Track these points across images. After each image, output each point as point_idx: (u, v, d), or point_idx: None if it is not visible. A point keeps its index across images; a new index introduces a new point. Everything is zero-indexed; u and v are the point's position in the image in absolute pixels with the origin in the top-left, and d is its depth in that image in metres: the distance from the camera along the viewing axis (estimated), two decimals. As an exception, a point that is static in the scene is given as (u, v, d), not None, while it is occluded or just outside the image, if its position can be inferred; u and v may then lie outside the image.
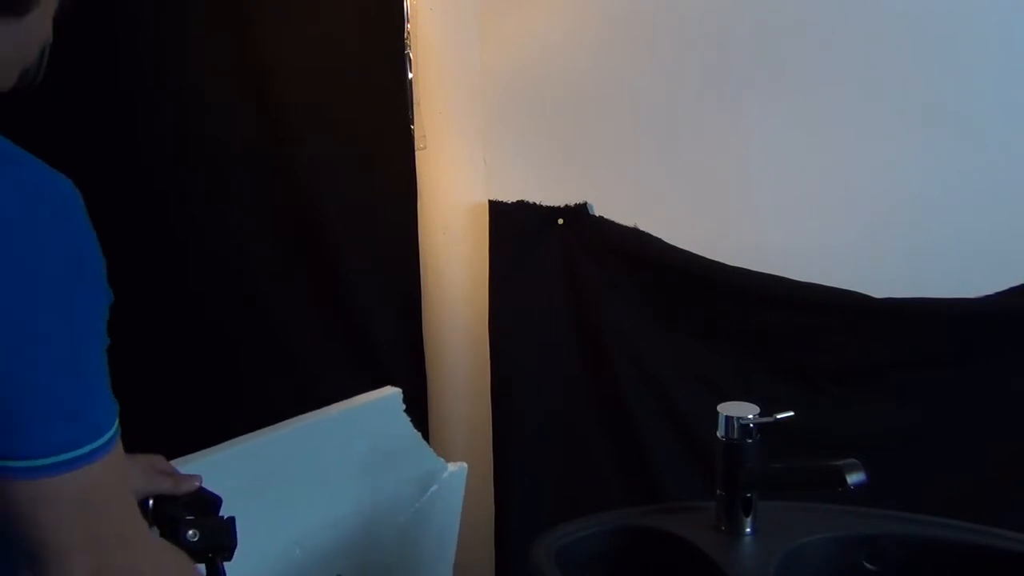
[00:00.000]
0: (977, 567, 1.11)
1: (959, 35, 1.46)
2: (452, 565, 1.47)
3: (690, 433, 1.58)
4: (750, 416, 1.14)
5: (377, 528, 1.31)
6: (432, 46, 1.67)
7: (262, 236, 1.70)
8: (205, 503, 0.94)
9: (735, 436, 1.14)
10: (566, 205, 1.64)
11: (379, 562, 1.33)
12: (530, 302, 1.67)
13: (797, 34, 1.52)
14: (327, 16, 1.63)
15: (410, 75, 1.67)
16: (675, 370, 1.61)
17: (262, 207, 1.69)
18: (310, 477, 1.22)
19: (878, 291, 1.49)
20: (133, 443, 0.74)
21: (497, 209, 1.66)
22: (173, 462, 1.03)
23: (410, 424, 1.34)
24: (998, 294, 1.45)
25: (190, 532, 0.87)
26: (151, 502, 0.90)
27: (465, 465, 1.43)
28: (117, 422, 0.67)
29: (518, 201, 1.65)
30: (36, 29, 0.70)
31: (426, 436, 1.62)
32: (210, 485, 1.07)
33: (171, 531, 0.86)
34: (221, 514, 0.93)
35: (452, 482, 1.41)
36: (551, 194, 1.65)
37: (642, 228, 1.60)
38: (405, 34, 1.65)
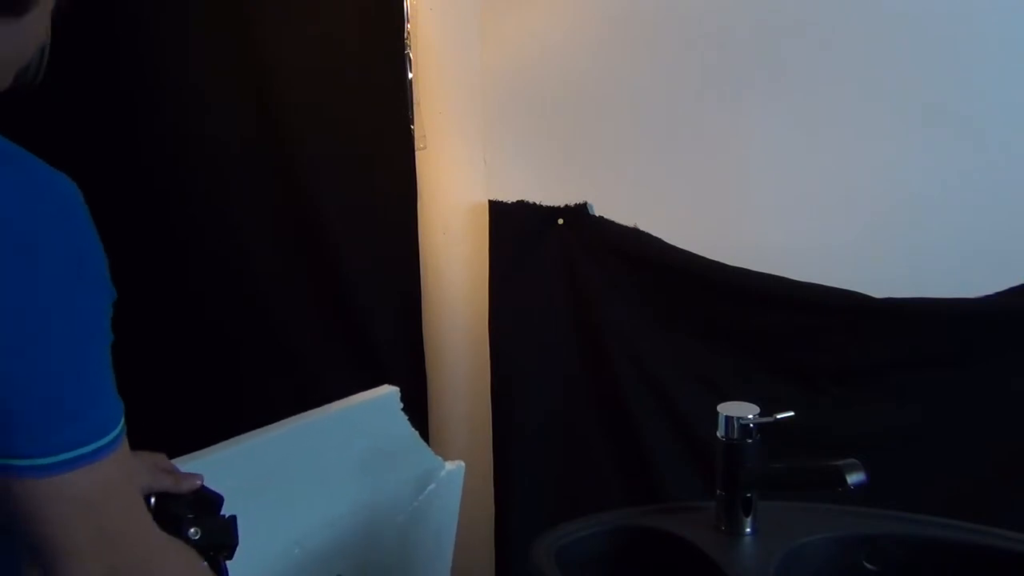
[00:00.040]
0: (977, 567, 1.11)
1: (959, 35, 1.46)
2: (450, 564, 1.47)
3: (690, 433, 1.58)
4: (750, 416, 1.14)
5: (375, 527, 1.31)
6: (432, 46, 1.67)
7: (262, 236, 1.70)
8: (207, 501, 0.94)
9: (735, 436, 1.14)
10: (566, 205, 1.64)
11: (377, 561, 1.33)
12: (530, 302, 1.67)
13: (797, 34, 1.52)
14: (327, 16, 1.64)
15: (410, 75, 1.67)
16: (675, 370, 1.61)
17: (262, 207, 1.69)
18: (308, 476, 1.22)
19: (878, 291, 1.49)
20: (134, 443, 0.74)
21: (497, 209, 1.66)
22: (172, 461, 1.03)
23: (408, 423, 1.34)
24: (998, 294, 1.45)
25: (192, 530, 0.87)
26: (153, 499, 0.91)
27: (463, 464, 1.43)
28: (123, 421, 0.67)
29: (518, 201, 1.65)
30: (34, 29, 0.70)
31: (426, 436, 1.62)
32: (208, 484, 1.07)
33: (173, 529, 0.87)
34: (223, 513, 0.94)
35: (450, 481, 1.41)
36: (551, 194, 1.65)
37: (642, 228, 1.60)
38: (405, 34, 1.65)
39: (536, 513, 1.65)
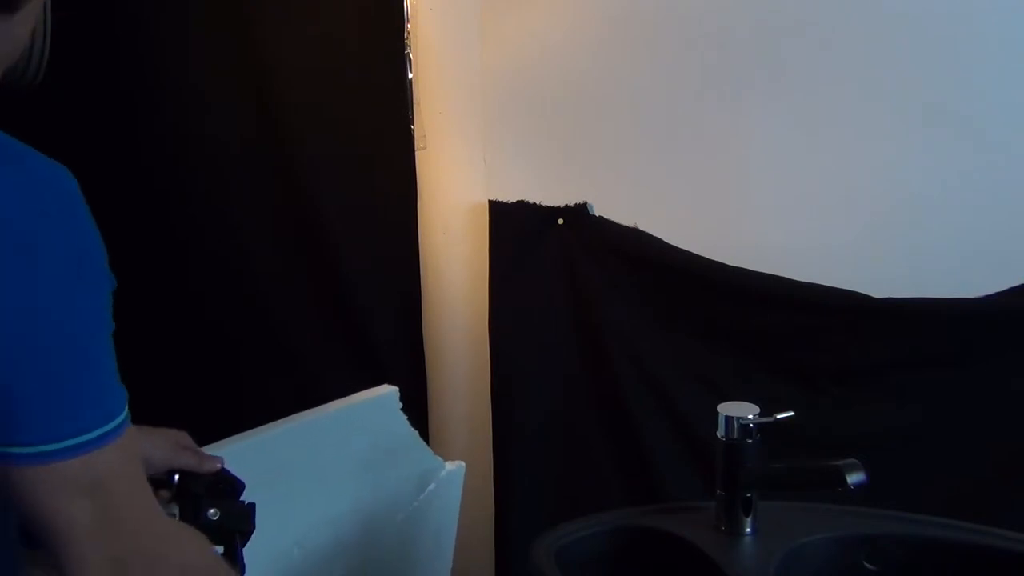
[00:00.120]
0: (977, 567, 1.11)
1: (959, 35, 1.46)
2: (450, 563, 1.47)
3: (690, 433, 1.58)
4: (750, 416, 1.14)
5: (375, 526, 1.31)
6: (432, 46, 1.67)
7: (262, 236, 1.70)
8: (229, 485, 0.95)
9: (735, 436, 1.14)
10: (566, 205, 1.64)
11: (377, 560, 1.33)
12: (530, 302, 1.67)
13: (797, 34, 1.52)
14: (327, 16, 1.64)
15: (410, 75, 1.67)
16: (675, 370, 1.61)
17: (262, 207, 1.69)
18: (307, 475, 1.21)
19: (878, 291, 1.49)
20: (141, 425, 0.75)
21: (497, 209, 1.66)
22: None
23: (407, 422, 1.34)
24: (998, 294, 1.45)
25: (211, 511, 0.88)
26: (176, 477, 0.91)
27: (463, 464, 1.43)
28: (127, 409, 0.67)
29: (518, 201, 1.65)
30: (23, 28, 0.70)
31: (426, 436, 1.62)
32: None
33: (193, 508, 0.87)
34: (242, 499, 0.94)
35: (450, 481, 1.41)
36: (551, 194, 1.65)
37: (642, 228, 1.60)
38: (405, 34, 1.65)
39: (536, 513, 1.65)
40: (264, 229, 1.70)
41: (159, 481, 0.90)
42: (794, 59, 1.52)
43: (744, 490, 1.15)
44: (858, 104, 1.50)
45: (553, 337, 1.67)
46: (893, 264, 1.52)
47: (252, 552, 1.12)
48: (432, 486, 1.38)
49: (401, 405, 1.34)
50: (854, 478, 1.01)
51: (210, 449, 1.10)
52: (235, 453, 1.12)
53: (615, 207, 1.62)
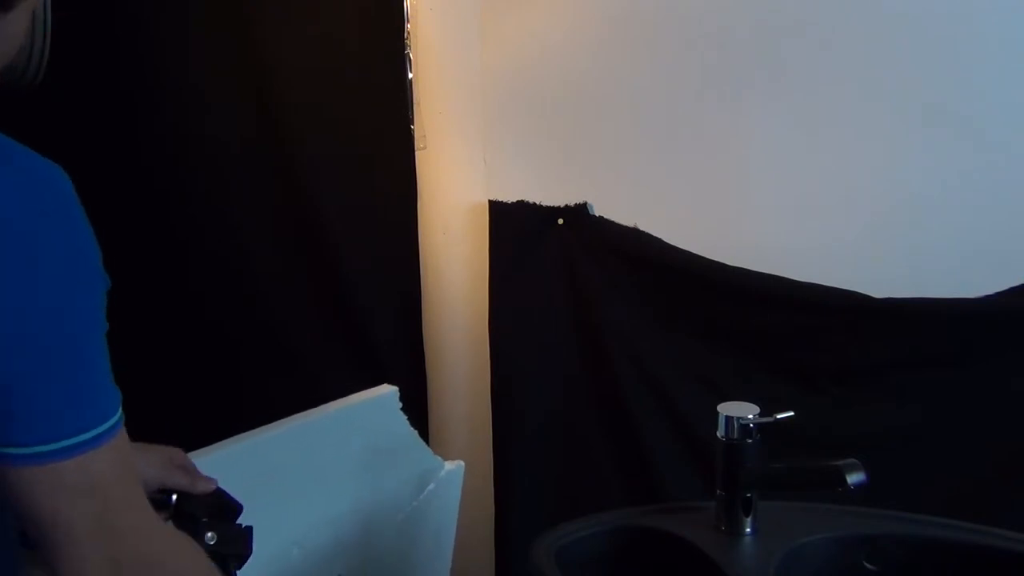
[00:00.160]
0: (977, 567, 1.11)
1: (959, 35, 1.46)
2: (450, 563, 1.47)
3: (690, 433, 1.58)
4: (750, 416, 1.14)
5: (374, 526, 1.31)
6: (432, 46, 1.67)
7: (262, 236, 1.70)
8: (227, 508, 0.93)
9: (735, 436, 1.14)
10: (566, 205, 1.64)
11: (377, 560, 1.33)
12: (530, 302, 1.67)
13: (797, 34, 1.52)
14: (327, 16, 1.64)
15: (410, 75, 1.67)
16: (675, 370, 1.61)
17: (262, 207, 1.69)
18: (307, 475, 1.21)
19: (878, 291, 1.49)
20: (136, 441, 0.74)
21: (497, 209, 1.66)
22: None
23: (407, 422, 1.34)
24: (998, 294, 1.45)
25: (209, 534, 0.87)
26: (175, 498, 0.90)
27: (462, 463, 1.43)
28: (121, 410, 0.67)
29: (518, 201, 1.65)
30: (16, 28, 0.70)
31: (426, 436, 1.62)
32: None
33: (191, 531, 0.86)
34: (239, 522, 0.93)
35: (449, 480, 1.41)
36: (551, 194, 1.65)
37: (642, 228, 1.60)
38: (405, 34, 1.65)
39: (536, 513, 1.65)
40: (264, 229, 1.70)
41: (156, 502, 0.89)
42: (794, 59, 1.52)
43: (744, 490, 1.15)
44: (858, 104, 1.50)
45: (553, 337, 1.67)
46: (893, 264, 1.52)
47: (254, 552, 1.12)
48: (432, 486, 1.38)
49: (401, 405, 1.34)
50: (854, 478, 1.01)
51: (212, 450, 1.10)
52: (236, 454, 1.12)
53: (615, 207, 1.62)
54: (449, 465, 1.40)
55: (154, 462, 0.92)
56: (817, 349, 1.54)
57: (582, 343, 1.66)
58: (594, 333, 1.64)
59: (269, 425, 1.19)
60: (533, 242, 1.66)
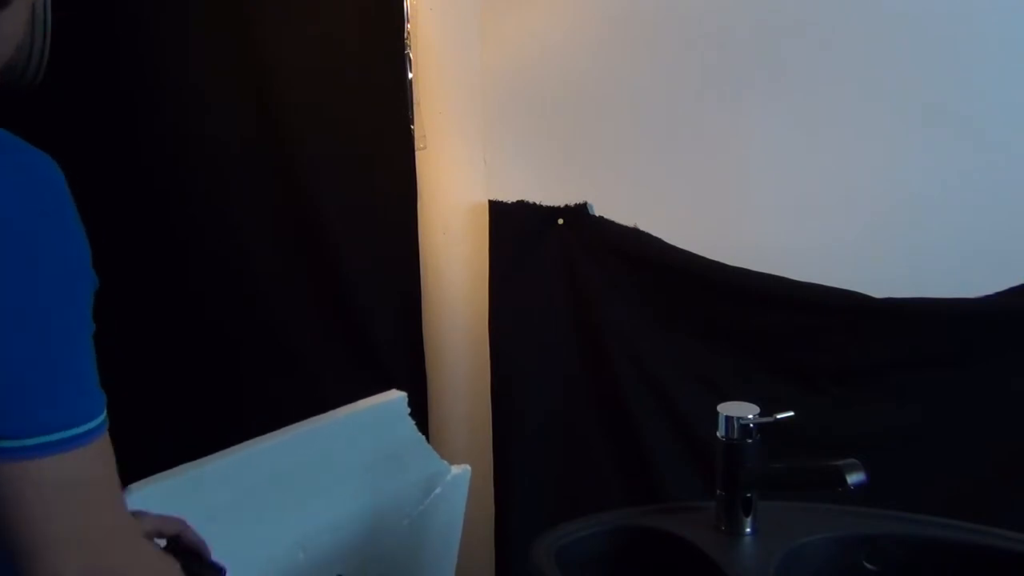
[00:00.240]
0: (977, 567, 1.11)
1: (959, 35, 1.46)
2: (455, 567, 1.47)
3: (690, 433, 1.58)
4: (750, 416, 1.14)
5: (381, 531, 1.31)
6: (432, 46, 1.67)
7: (262, 236, 1.70)
8: (210, 571, 0.91)
9: (735, 436, 1.14)
10: (566, 205, 1.64)
11: (383, 565, 1.33)
12: (530, 302, 1.67)
13: (797, 34, 1.52)
14: (327, 16, 1.63)
15: (410, 75, 1.67)
16: (675, 370, 1.61)
17: (262, 207, 1.69)
18: (315, 480, 1.22)
19: (878, 291, 1.49)
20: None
21: (497, 209, 1.66)
22: (178, 468, 1.03)
23: (414, 427, 1.35)
24: (998, 294, 1.45)
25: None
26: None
27: (468, 468, 1.43)
28: (105, 414, 0.66)
29: (518, 201, 1.65)
30: (13, 25, 0.70)
31: (426, 436, 1.62)
32: (217, 489, 1.07)
33: None
34: (214, 561, 0.91)
35: (455, 485, 1.41)
36: (551, 194, 1.65)
37: (642, 228, 1.60)
38: (405, 34, 1.65)
39: (536, 513, 1.65)
40: (264, 229, 1.70)
41: None
42: (794, 59, 1.52)
43: (744, 490, 1.15)
44: (858, 104, 1.50)
45: (553, 337, 1.67)
46: (893, 264, 1.52)
47: (259, 555, 1.13)
48: (438, 490, 1.38)
49: (409, 411, 1.34)
50: (854, 478, 1.01)
51: (221, 456, 1.10)
52: (246, 459, 1.12)
53: (615, 207, 1.62)
54: (456, 469, 1.40)
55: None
56: (817, 349, 1.54)
57: (582, 343, 1.66)
58: (594, 333, 1.64)
59: (279, 431, 1.19)
60: (533, 242, 1.66)
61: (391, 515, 1.33)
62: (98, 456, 0.65)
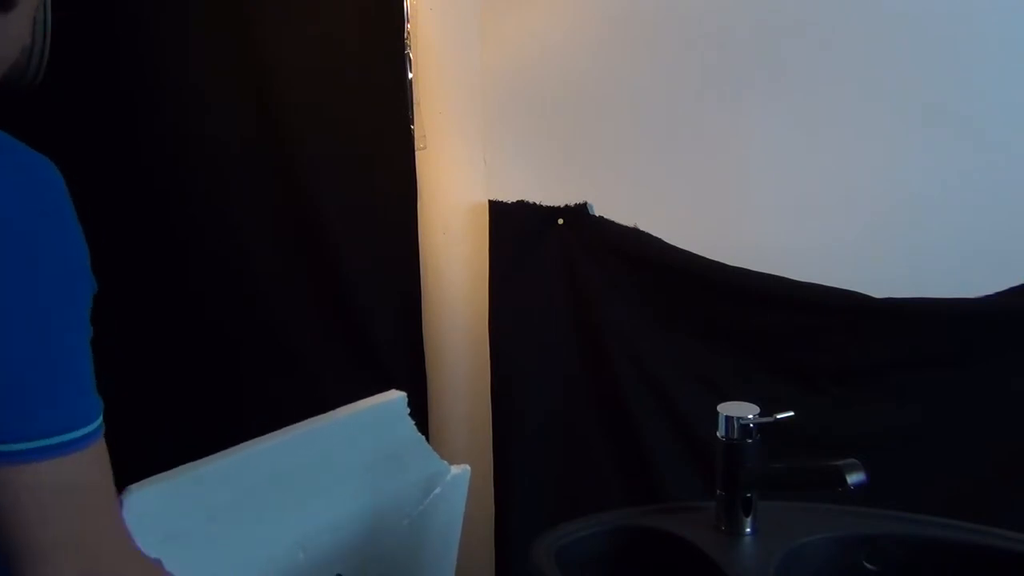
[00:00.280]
0: (977, 567, 1.11)
1: (959, 35, 1.46)
2: (455, 568, 1.47)
3: (690, 433, 1.58)
4: (750, 416, 1.14)
5: (381, 531, 1.31)
6: (432, 46, 1.67)
7: (262, 236, 1.70)
8: None
9: (735, 436, 1.14)
10: (566, 205, 1.64)
11: (383, 565, 1.33)
12: (530, 302, 1.67)
13: (797, 34, 1.52)
14: (327, 16, 1.63)
15: (410, 75, 1.67)
16: (675, 370, 1.61)
17: (262, 207, 1.69)
18: (315, 480, 1.21)
19: (878, 291, 1.49)
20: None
21: (497, 209, 1.66)
22: (178, 468, 1.03)
23: (414, 428, 1.34)
24: (998, 294, 1.45)
25: None
26: None
27: (468, 468, 1.43)
28: (102, 419, 0.66)
29: (518, 201, 1.65)
30: (18, 28, 0.70)
31: (426, 436, 1.62)
32: (217, 489, 1.07)
33: None
34: None
35: (455, 485, 1.41)
36: (551, 194, 1.65)
37: (642, 228, 1.60)
38: (405, 34, 1.65)
39: (536, 513, 1.65)
40: (264, 229, 1.70)
41: None
42: (794, 59, 1.52)
43: (744, 490, 1.15)
44: (858, 104, 1.50)
45: (553, 337, 1.67)
46: (893, 264, 1.52)
47: (258, 556, 1.13)
48: (438, 490, 1.38)
49: (409, 411, 1.34)
50: (854, 478, 1.01)
51: (221, 456, 1.10)
52: (246, 459, 1.12)
53: (615, 207, 1.62)
54: (455, 469, 1.40)
55: None
56: (817, 349, 1.54)
57: (582, 343, 1.66)
58: (594, 333, 1.64)
59: (278, 431, 1.19)
60: (533, 242, 1.66)
61: (391, 515, 1.32)
62: (95, 461, 0.65)
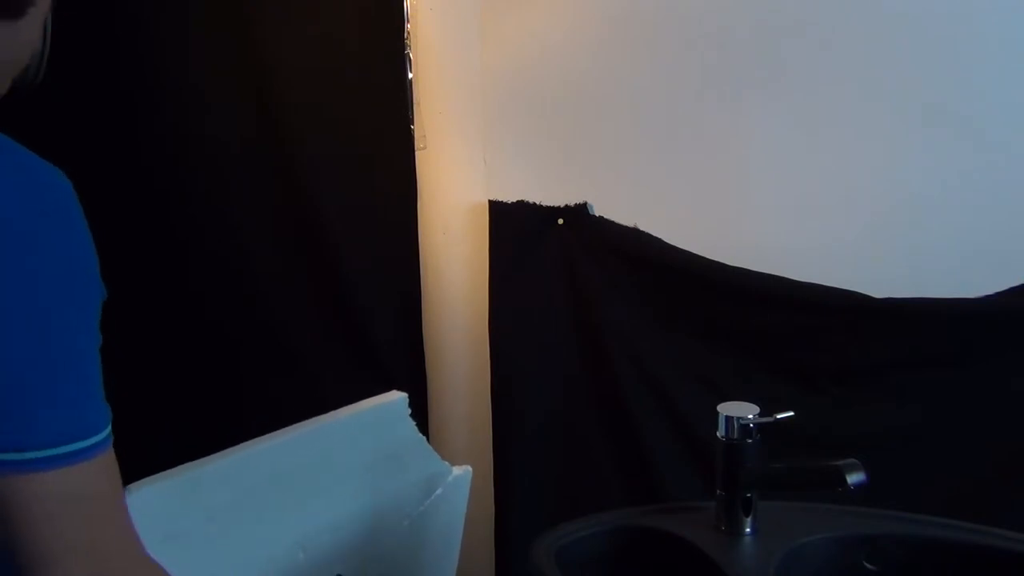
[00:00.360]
0: (977, 567, 1.11)
1: (959, 35, 1.46)
2: (455, 568, 1.47)
3: (690, 433, 1.58)
4: (750, 416, 1.14)
5: (381, 531, 1.31)
6: (432, 46, 1.67)
7: (262, 236, 1.70)
8: None
9: (735, 436, 1.14)
10: (566, 205, 1.64)
11: (383, 565, 1.33)
12: (530, 302, 1.67)
13: (797, 34, 1.52)
14: (327, 16, 1.63)
15: (410, 75, 1.67)
16: (675, 370, 1.61)
17: (262, 207, 1.69)
18: (315, 480, 1.22)
19: (878, 291, 1.49)
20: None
21: (497, 209, 1.66)
22: (178, 468, 1.03)
23: (415, 428, 1.34)
24: (998, 294, 1.45)
25: None
26: None
27: (469, 468, 1.43)
28: (110, 429, 0.66)
29: (518, 201, 1.65)
30: (29, 33, 0.70)
31: (426, 436, 1.62)
32: (217, 489, 1.07)
33: None
34: None
35: (456, 486, 1.41)
36: (551, 194, 1.65)
37: (642, 228, 1.60)
38: (405, 34, 1.65)
39: (536, 513, 1.65)
40: (264, 229, 1.70)
41: None
42: (794, 59, 1.52)
43: (744, 490, 1.15)
44: (858, 104, 1.50)
45: (553, 337, 1.67)
46: (893, 264, 1.52)
47: (258, 556, 1.13)
48: (439, 491, 1.38)
49: (410, 411, 1.34)
50: (854, 478, 1.01)
51: (222, 456, 1.10)
52: (246, 459, 1.12)
53: (615, 207, 1.62)
54: (456, 470, 1.40)
55: None
56: (817, 349, 1.54)
57: (582, 343, 1.66)
58: (594, 333, 1.64)
59: (279, 431, 1.19)
60: (533, 242, 1.66)
61: (391, 515, 1.33)
62: (103, 471, 0.65)
